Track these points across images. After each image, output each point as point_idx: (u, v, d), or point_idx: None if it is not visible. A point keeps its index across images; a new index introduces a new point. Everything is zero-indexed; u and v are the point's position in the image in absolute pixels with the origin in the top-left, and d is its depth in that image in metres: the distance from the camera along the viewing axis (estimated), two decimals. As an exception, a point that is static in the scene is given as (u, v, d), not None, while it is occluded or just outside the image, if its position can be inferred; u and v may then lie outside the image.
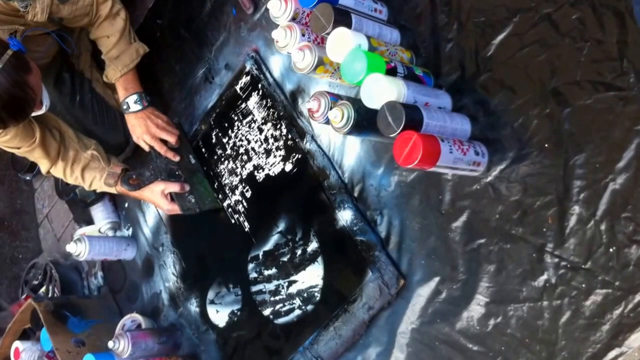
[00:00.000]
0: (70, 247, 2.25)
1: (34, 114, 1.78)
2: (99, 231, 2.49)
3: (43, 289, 2.75)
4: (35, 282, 2.80)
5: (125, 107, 2.05)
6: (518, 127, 1.31)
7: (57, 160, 2.09)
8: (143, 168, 2.08)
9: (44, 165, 2.12)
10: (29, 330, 2.51)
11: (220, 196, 2.00)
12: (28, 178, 3.15)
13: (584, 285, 1.21)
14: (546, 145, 1.27)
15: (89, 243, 2.25)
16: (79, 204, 2.60)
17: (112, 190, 2.14)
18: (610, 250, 1.17)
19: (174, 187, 2.01)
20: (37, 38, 1.97)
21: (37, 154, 2.06)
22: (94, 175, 2.12)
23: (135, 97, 2.04)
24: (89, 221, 2.57)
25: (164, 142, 2.07)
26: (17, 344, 2.44)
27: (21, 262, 3.06)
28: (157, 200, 2.04)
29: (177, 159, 2.07)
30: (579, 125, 1.22)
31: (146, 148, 2.08)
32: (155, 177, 2.02)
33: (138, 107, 2.05)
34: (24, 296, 2.81)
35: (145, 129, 2.05)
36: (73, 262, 2.73)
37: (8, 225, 3.12)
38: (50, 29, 1.95)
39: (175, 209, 2.02)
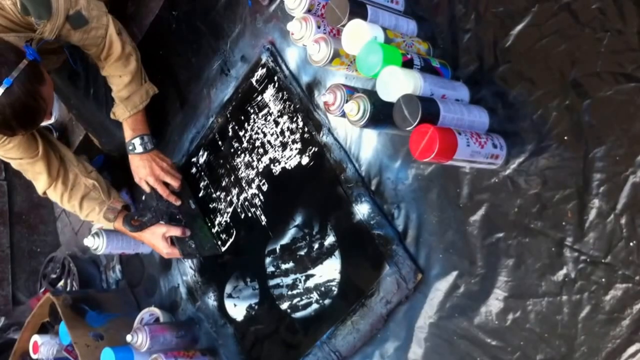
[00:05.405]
0: (88, 241, 2.25)
1: (42, 124, 1.79)
2: (116, 225, 2.50)
3: (61, 283, 2.76)
4: (54, 276, 2.82)
5: (130, 147, 2.08)
6: (537, 119, 1.29)
7: (57, 180, 2.10)
8: (144, 210, 2.10)
9: (41, 182, 2.11)
10: (48, 324, 2.53)
11: (237, 190, 2.00)
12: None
13: (603, 280, 1.19)
14: (566, 137, 1.25)
15: (106, 237, 2.25)
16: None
17: (110, 226, 2.16)
18: (631, 244, 1.16)
19: (176, 231, 2.02)
20: (52, 47, 1.98)
21: (39, 167, 2.06)
22: (93, 207, 2.14)
23: (141, 139, 2.07)
24: (107, 215, 2.58)
25: (167, 185, 2.10)
26: (35, 337, 2.46)
27: (39, 256, 3.08)
28: (157, 243, 2.06)
29: (178, 203, 2.09)
30: (599, 117, 1.20)
31: (147, 189, 2.11)
32: (156, 220, 2.04)
33: (143, 149, 2.07)
34: (42, 290, 2.83)
35: (149, 171, 2.08)
36: (91, 256, 2.74)
37: (26, 219, 3.15)
38: (60, 44, 1.97)
39: (175, 252, 2.04)
